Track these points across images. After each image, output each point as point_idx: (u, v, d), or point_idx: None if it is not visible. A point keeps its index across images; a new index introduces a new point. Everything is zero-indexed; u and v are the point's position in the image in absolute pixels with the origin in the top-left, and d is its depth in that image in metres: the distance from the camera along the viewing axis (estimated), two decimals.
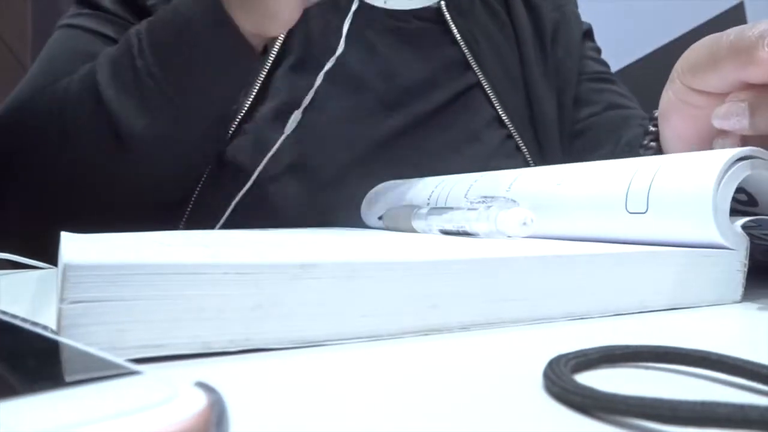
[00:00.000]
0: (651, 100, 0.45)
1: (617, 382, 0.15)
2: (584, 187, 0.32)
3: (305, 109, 0.50)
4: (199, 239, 0.28)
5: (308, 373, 0.17)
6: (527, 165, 0.60)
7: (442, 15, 0.62)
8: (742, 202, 0.30)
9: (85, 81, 0.46)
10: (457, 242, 0.30)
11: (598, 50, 0.73)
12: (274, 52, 0.54)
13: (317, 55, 0.52)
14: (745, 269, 0.27)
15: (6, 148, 0.47)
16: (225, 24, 0.44)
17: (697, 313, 0.25)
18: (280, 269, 0.19)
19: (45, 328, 0.15)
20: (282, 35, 0.55)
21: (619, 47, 1.26)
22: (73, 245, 0.22)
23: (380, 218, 0.45)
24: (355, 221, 0.51)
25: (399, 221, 0.41)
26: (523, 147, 0.61)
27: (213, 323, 0.18)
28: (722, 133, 0.32)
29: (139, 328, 0.17)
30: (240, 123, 0.53)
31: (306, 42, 0.56)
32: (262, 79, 0.53)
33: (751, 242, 0.27)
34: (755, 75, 0.30)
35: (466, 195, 0.40)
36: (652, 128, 0.42)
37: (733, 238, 0.26)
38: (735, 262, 0.27)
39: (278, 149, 0.49)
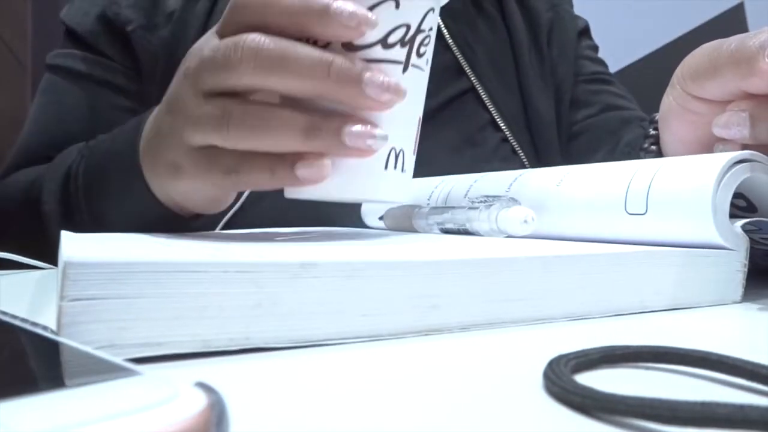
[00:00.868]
0: (651, 100, 0.45)
1: (617, 383, 0.15)
2: (584, 189, 0.32)
3: None
4: (199, 239, 0.28)
5: (308, 372, 0.17)
6: (524, 168, 0.60)
7: None
8: (741, 208, 0.30)
9: (31, 193, 0.49)
10: (458, 242, 0.30)
11: (596, 48, 0.72)
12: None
13: None
14: (745, 269, 0.27)
15: None
16: (135, 176, 0.38)
17: (698, 313, 0.25)
18: (280, 268, 0.19)
19: (45, 328, 0.15)
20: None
21: (619, 47, 1.26)
22: (73, 243, 0.22)
23: (381, 218, 0.44)
24: (355, 221, 0.51)
25: (399, 221, 0.41)
26: (520, 150, 0.61)
27: (213, 322, 0.18)
28: (723, 139, 0.32)
29: (139, 326, 0.17)
30: None
31: None
32: None
33: (752, 247, 0.27)
34: (756, 86, 0.29)
35: (466, 195, 0.40)
36: (652, 131, 0.42)
37: (732, 239, 0.26)
38: (735, 263, 0.27)
39: None
